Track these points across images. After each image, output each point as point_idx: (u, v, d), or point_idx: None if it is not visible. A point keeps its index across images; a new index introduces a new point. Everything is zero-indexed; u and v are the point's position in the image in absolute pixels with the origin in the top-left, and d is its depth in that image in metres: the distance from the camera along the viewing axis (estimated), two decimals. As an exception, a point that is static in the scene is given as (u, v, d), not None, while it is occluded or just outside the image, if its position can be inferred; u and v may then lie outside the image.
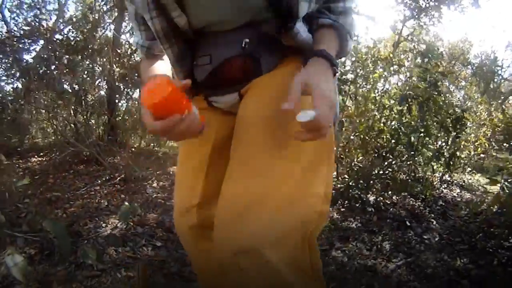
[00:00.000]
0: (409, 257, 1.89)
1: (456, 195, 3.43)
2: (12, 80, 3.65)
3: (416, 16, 4.86)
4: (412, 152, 2.29)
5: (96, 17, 4.46)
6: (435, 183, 3.49)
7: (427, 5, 4.72)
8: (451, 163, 2.44)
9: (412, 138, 2.30)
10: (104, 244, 1.79)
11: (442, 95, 2.44)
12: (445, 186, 3.71)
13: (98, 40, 3.96)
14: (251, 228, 0.64)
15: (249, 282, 0.65)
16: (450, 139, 2.36)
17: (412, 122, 2.41)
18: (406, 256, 1.90)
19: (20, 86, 3.63)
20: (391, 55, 3.37)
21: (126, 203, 1.97)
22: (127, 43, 4.39)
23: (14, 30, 3.83)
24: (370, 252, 1.96)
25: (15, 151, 3.56)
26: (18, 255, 1.09)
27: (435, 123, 2.42)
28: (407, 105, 2.32)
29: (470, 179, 4.35)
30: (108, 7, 4.79)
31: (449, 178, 3.94)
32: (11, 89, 3.78)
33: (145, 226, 2.07)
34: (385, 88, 3.33)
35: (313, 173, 0.73)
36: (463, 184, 4.02)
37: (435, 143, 2.48)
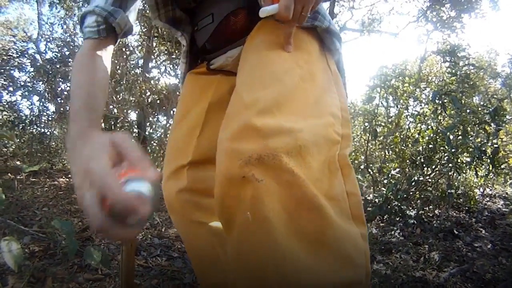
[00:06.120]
0: (462, 265, 1.70)
1: (501, 206, 3.19)
2: (44, 102, 3.77)
3: (440, 29, 4.79)
4: (454, 150, 2.10)
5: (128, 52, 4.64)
6: (476, 196, 3.26)
7: (449, 15, 4.64)
8: (496, 161, 2.22)
9: (451, 136, 2.12)
10: (115, 251, 1.69)
11: (475, 88, 2.29)
12: (488, 199, 3.49)
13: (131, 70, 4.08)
14: (264, 131, 0.52)
15: (269, 195, 0.50)
16: (491, 135, 2.17)
17: (450, 121, 2.25)
18: (459, 264, 1.71)
19: (53, 109, 3.75)
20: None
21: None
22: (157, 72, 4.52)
23: (47, 59, 4.01)
24: (417, 263, 1.79)
25: (44, 172, 3.60)
26: (16, 243, 1.00)
27: (472, 119, 2.23)
28: (440, 102, 2.18)
29: (513, 191, 4.08)
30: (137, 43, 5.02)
31: (491, 191, 3.72)
32: (44, 113, 3.90)
33: (163, 239, 1.96)
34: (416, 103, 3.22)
35: (324, 92, 0.63)
36: (506, 196, 3.76)
37: (475, 141, 2.29)
